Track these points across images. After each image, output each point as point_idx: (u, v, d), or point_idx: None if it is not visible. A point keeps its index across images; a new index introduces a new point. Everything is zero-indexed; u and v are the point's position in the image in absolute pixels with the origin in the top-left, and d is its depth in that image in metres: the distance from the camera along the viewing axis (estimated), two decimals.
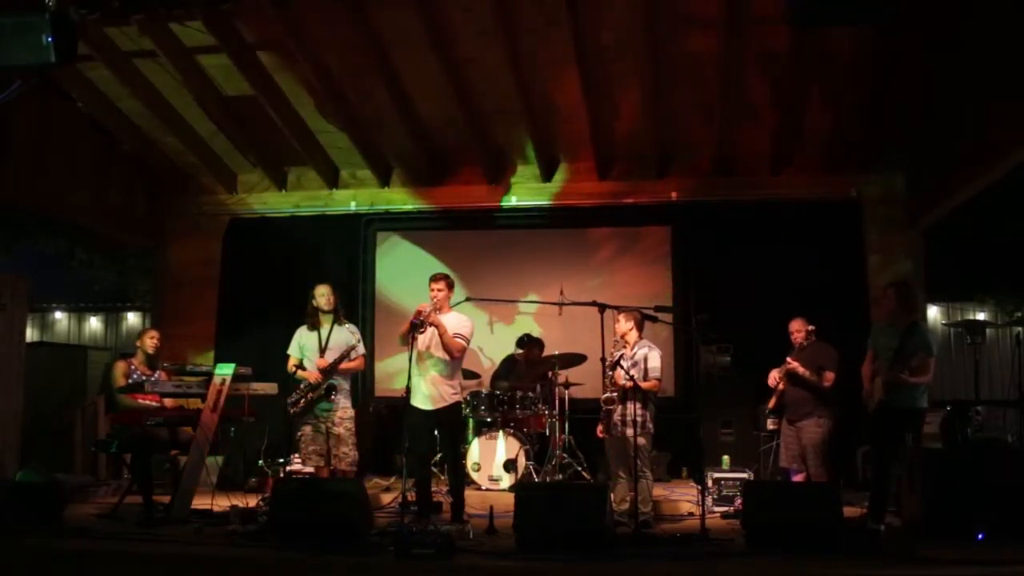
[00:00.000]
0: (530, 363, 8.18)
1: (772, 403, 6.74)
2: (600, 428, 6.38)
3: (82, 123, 8.62)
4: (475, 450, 7.42)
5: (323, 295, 6.59)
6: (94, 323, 13.99)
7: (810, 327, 6.55)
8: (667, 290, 8.88)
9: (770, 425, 6.96)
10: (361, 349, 6.62)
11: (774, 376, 6.71)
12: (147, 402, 6.52)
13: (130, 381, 6.57)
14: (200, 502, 6.36)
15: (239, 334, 8.98)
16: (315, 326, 6.58)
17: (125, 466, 6.86)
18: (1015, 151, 6.42)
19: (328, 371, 6.40)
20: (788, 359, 6.54)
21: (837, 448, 6.66)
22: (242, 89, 8.04)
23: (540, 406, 7.69)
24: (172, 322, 9.48)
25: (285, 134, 8.61)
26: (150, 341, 6.87)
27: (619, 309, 6.46)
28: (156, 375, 6.76)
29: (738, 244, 8.66)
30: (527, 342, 8.16)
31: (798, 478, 6.50)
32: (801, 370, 6.44)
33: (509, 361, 8.34)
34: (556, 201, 9.11)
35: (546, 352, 8.03)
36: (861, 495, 6.42)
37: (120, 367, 6.77)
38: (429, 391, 6.09)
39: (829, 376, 6.42)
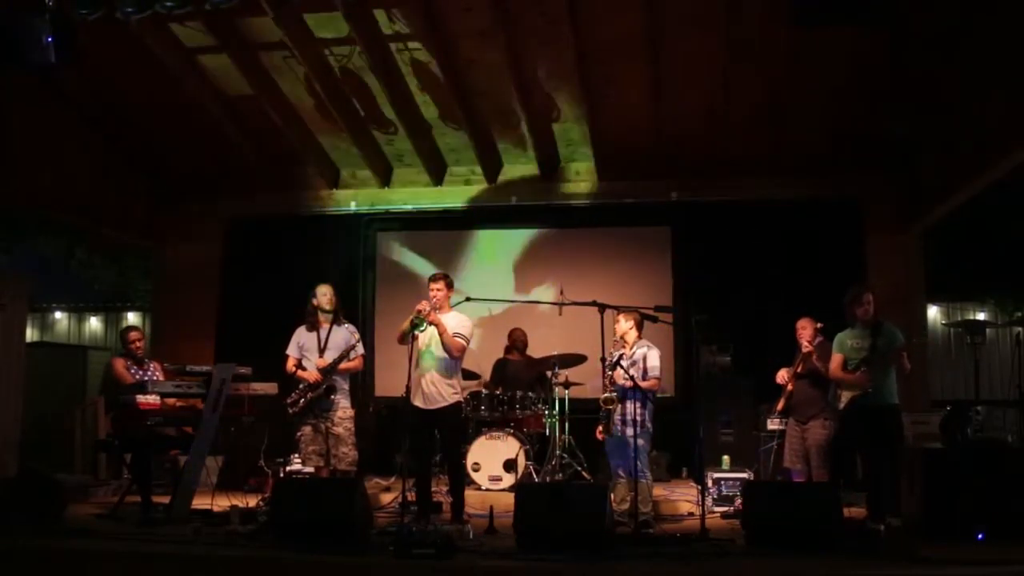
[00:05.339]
0: (524, 364, 8.18)
1: (781, 404, 6.72)
2: (600, 429, 6.38)
3: (82, 123, 8.62)
4: (475, 450, 7.41)
5: (324, 294, 6.59)
6: (94, 323, 14.00)
7: (819, 325, 6.56)
8: (667, 290, 8.88)
9: (771, 425, 6.96)
10: (360, 349, 6.62)
11: (783, 375, 6.70)
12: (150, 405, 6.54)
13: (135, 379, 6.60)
14: (200, 502, 6.37)
15: (239, 334, 8.99)
16: (315, 326, 6.58)
17: (125, 466, 6.87)
18: (1015, 151, 6.42)
19: (327, 371, 6.40)
20: (803, 345, 6.52)
21: (836, 448, 6.66)
22: (242, 89, 8.04)
23: (540, 406, 7.69)
24: (172, 322, 9.49)
25: (285, 134, 8.61)
26: (132, 344, 6.88)
27: (619, 309, 6.46)
28: (150, 370, 6.78)
29: (738, 244, 8.65)
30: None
31: (799, 478, 6.50)
32: (815, 357, 6.43)
33: (500, 364, 8.33)
34: (556, 201, 9.10)
35: (546, 352, 8.02)
36: (861, 495, 6.42)
37: (120, 363, 6.79)
38: (429, 391, 6.09)
39: None
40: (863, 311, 6.08)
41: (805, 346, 6.51)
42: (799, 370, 6.58)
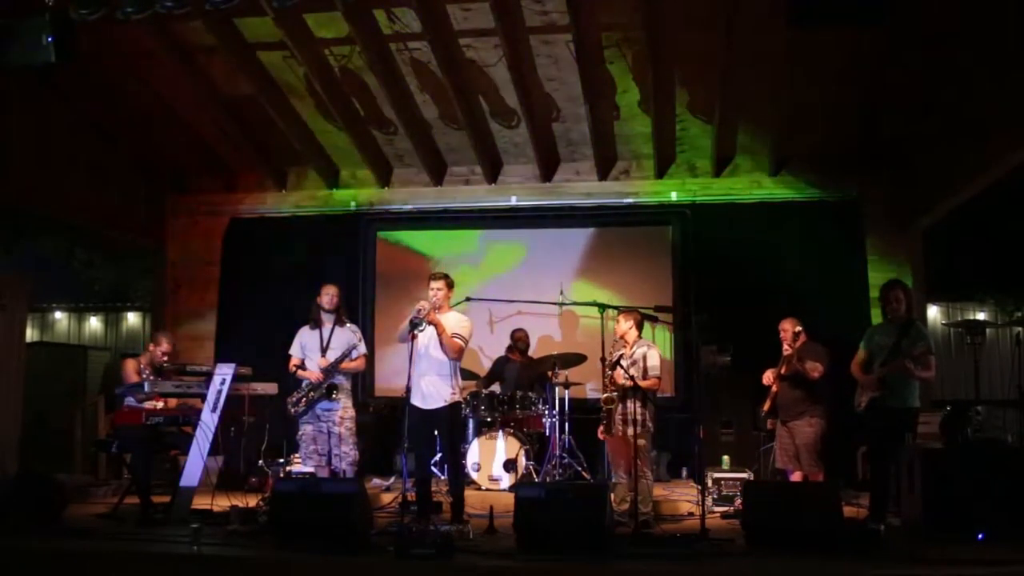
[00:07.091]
0: (524, 365, 8.18)
1: (767, 406, 6.75)
2: (601, 430, 6.38)
3: (82, 123, 8.62)
4: (475, 450, 7.41)
5: (325, 294, 6.64)
6: (94, 323, 14.00)
7: (797, 329, 6.55)
8: (667, 290, 8.87)
9: (769, 425, 6.97)
10: (362, 348, 6.64)
11: (768, 376, 6.72)
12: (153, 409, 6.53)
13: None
14: (200, 502, 6.37)
15: (239, 334, 9.00)
16: (318, 325, 6.59)
17: (125, 466, 6.87)
18: (1015, 151, 6.42)
19: (329, 370, 6.41)
20: (785, 348, 6.54)
21: (836, 448, 6.66)
22: (242, 89, 8.04)
23: (540, 406, 7.69)
24: (172, 321, 9.49)
25: (285, 134, 8.62)
26: (159, 352, 6.83)
27: (619, 309, 6.47)
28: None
29: (738, 244, 8.64)
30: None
31: (795, 477, 6.51)
32: (796, 358, 6.43)
33: (502, 362, 8.33)
34: (556, 201, 9.10)
35: (546, 352, 8.03)
36: (861, 495, 6.42)
37: (131, 364, 6.77)
38: (428, 391, 6.08)
39: (816, 366, 6.40)
40: (892, 308, 6.00)
41: (786, 348, 6.52)
42: (782, 372, 6.59)
